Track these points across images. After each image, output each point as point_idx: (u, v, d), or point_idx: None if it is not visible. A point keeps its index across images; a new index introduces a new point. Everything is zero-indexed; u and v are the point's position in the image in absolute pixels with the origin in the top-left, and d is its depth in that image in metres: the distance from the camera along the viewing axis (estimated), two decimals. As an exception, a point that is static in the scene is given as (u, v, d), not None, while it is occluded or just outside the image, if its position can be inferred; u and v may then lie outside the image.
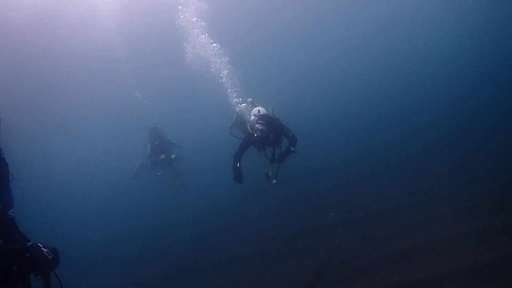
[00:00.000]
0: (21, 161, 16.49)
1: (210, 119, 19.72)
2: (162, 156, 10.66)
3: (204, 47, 11.25)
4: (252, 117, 6.60)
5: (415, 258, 5.06)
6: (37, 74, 17.39)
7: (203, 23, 12.01)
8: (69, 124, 21.22)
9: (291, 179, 9.84)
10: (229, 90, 9.05)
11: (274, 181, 6.44)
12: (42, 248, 3.07)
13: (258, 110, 6.62)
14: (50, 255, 3.11)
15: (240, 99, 8.16)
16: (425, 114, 17.12)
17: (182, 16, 12.43)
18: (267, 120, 6.31)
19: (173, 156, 10.73)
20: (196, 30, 11.87)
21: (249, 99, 7.45)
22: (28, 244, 3.02)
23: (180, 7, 12.49)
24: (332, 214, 5.49)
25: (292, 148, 6.54)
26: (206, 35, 11.53)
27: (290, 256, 6.93)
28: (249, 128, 6.51)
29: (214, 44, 11.08)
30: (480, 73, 20.49)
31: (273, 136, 6.48)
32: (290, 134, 6.57)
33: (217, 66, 10.44)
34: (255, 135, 6.30)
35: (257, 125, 6.26)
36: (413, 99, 20.87)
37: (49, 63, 17.42)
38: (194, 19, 12.17)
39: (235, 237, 9.13)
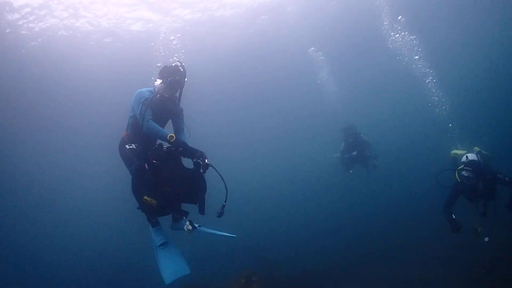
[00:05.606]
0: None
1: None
2: (354, 153, 10.81)
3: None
4: (461, 164, 6.27)
5: None
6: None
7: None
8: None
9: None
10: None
11: (486, 239, 5.83)
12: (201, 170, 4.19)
13: (466, 157, 6.26)
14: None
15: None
16: None
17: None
18: (474, 166, 5.88)
19: (367, 153, 10.90)
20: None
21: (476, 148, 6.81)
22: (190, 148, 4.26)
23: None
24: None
25: None
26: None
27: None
28: (457, 176, 6.22)
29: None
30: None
31: (482, 185, 5.87)
32: (507, 179, 5.82)
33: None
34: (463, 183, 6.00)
35: (463, 172, 5.95)
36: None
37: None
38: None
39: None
